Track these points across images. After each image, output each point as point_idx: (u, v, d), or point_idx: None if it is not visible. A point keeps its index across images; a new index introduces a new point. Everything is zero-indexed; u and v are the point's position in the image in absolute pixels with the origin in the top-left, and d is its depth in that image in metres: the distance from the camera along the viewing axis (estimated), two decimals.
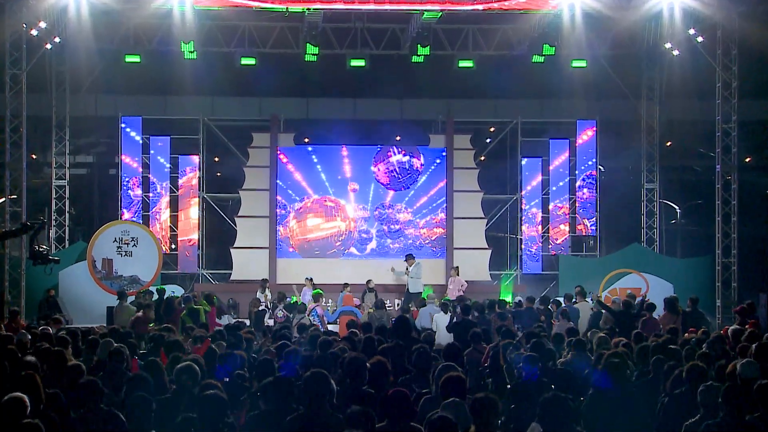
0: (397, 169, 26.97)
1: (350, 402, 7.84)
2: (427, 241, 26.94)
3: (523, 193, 27.56)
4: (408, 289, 23.79)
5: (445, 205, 27.02)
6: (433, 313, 18.49)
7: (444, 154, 27.09)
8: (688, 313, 17.50)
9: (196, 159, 27.21)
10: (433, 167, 27.09)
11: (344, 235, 27.02)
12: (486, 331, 14.22)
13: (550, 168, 27.54)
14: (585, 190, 27.42)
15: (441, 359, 10.02)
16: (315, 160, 27.00)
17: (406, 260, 24.18)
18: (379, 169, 26.98)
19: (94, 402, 7.80)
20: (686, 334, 14.70)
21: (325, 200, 26.93)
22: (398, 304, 23.16)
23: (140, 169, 26.82)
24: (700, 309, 18.11)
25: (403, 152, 26.99)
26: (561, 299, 20.22)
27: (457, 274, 24.35)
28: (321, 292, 21.30)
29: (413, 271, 23.77)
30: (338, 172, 26.99)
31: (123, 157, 26.80)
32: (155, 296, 20.50)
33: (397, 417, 6.97)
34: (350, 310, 19.47)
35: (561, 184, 27.53)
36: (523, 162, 27.68)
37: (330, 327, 18.66)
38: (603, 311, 17.78)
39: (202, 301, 19.34)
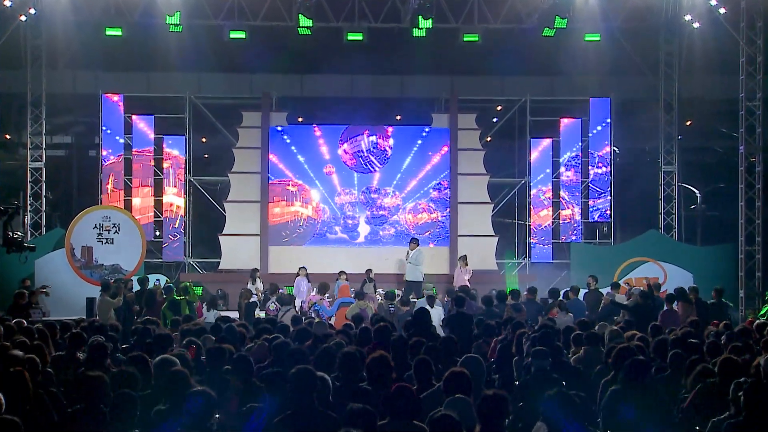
0: (364, 151, 26.99)
1: (345, 399, 7.82)
2: (414, 228, 26.91)
3: (532, 160, 27.60)
4: (405, 277, 23.78)
5: (433, 189, 27.03)
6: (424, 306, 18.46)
7: (425, 134, 27.12)
8: (712, 305, 17.50)
9: (181, 139, 27.17)
10: (415, 148, 27.08)
11: (304, 221, 27.03)
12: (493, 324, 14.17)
13: (561, 143, 27.59)
14: (595, 168, 27.44)
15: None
16: (287, 141, 27.01)
17: (409, 244, 24.15)
18: (345, 151, 27.00)
19: (98, 398, 7.74)
20: (709, 327, 14.67)
21: (289, 184, 26.94)
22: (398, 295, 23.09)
23: (121, 150, 26.78)
24: (725, 300, 18.11)
25: (367, 132, 26.99)
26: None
27: (466, 264, 24.24)
28: (327, 285, 21.17)
29: (413, 257, 23.75)
30: (311, 153, 27.02)
31: (103, 137, 26.78)
32: (136, 286, 20.47)
33: (401, 415, 6.95)
34: (350, 301, 19.38)
35: (567, 155, 27.57)
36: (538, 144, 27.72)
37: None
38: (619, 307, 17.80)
39: (192, 289, 19.21)
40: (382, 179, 27.05)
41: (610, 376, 9.27)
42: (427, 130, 27.14)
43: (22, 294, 18.42)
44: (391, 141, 26.98)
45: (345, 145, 26.93)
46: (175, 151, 27.10)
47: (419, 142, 27.10)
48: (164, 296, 18.71)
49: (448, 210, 26.94)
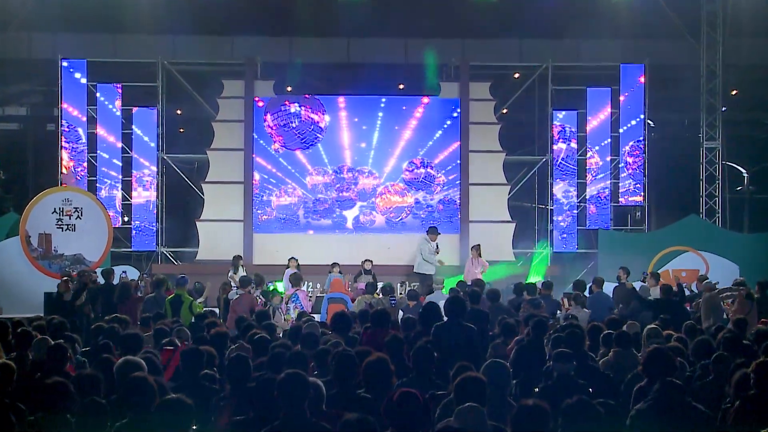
0: (294, 123, 27.01)
1: (340, 408, 7.81)
2: (386, 213, 26.94)
3: (554, 135, 27.55)
4: (416, 269, 23.69)
5: (406, 168, 27.06)
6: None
7: (383, 104, 27.13)
8: (757, 301, 17.49)
9: (153, 112, 27.13)
10: (378, 121, 27.08)
11: None
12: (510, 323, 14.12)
13: (588, 123, 27.48)
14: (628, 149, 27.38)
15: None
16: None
17: (427, 234, 23.98)
18: (269, 125, 27.09)
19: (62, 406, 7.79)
20: (758, 325, 14.66)
21: None
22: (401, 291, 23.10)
23: (85, 124, 26.74)
24: None
25: (287, 101, 27.01)
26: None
27: (479, 255, 24.05)
28: (300, 276, 21.17)
29: (431, 250, 23.69)
30: (260, 128, 27.09)
31: (64, 107, 26.72)
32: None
33: (405, 425, 6.92)
34: (339, 297, 19.37)
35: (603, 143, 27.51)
36: (559, 116, 27.62)
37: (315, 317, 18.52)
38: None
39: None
40: (356, 158, 27.06)
41: (645, 383, 9.17)
42: (383, 100, 27.19)
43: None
44: (324, 114, 26.92)
45: (268, 118, 27.00)
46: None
47: (380, 114, 27.12)
48: (171, 288, 18.44)
49: (450, 191, 26.93)
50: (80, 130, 26.70)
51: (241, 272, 22.66)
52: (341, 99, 27.18)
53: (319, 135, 26.96)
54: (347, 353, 8.93)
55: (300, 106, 26.95)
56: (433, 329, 11.43)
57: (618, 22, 25.85)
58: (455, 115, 27.07)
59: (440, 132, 27.13)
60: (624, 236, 27.00)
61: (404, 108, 27.16)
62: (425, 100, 27.21)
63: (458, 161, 26.99)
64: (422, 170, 27.10)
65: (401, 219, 26.88)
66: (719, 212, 27.52)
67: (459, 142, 27.01)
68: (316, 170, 27.02)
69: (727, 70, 27.70)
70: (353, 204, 27.01)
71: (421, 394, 7.16)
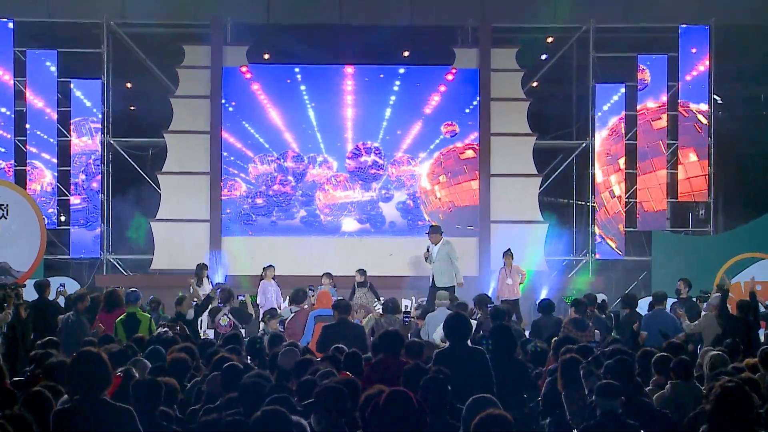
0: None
1: None
2: (330, 210, 27.20)
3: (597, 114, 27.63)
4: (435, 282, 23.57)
5: (350, 158, 27.29)
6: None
7: (299, 77, 27.35)
8: None
9: (97, 84, 27.13)
10: (305, 97, 27.33)
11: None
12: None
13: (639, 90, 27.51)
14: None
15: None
16: None
17: (429, 235, 23.75)
18: None
19: None
20: None
21: None
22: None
23: (12, 99, 26.76)
24: None
25: None
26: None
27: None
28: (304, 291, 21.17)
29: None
30: None
31: None
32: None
33: None
34: (328, 314, 19.41)
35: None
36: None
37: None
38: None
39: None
40: (301, 143, 27.23)
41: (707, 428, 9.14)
42: (297, 70, 27.39)
43: None
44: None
45: None
46: None
47: (303, 87, 27.35)
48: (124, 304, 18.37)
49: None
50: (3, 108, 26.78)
51: (207, 285, 22.65)
52: (245, 68, 27.29)
53: None
54: (331, 387, 8.91)
55: None
56: (434, 357, 11.42)
57: None
58: (397, 88, 27.30)
59: (389, 110, 27.29)
60: (684, 240, 26.99)
61: (366, 79, 27.43)
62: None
63: (431, 147, 27.15)
64: (369, 157, 27.16)
65: (343, 216, 27.19)
66: None
67: (421, 120, 27.19)
68: (258, 157, 27.12)
69: None
70: (289, 201, 27.08)
71: None
